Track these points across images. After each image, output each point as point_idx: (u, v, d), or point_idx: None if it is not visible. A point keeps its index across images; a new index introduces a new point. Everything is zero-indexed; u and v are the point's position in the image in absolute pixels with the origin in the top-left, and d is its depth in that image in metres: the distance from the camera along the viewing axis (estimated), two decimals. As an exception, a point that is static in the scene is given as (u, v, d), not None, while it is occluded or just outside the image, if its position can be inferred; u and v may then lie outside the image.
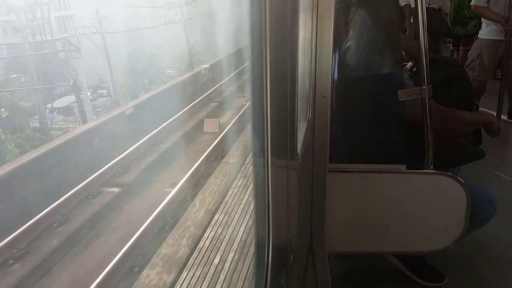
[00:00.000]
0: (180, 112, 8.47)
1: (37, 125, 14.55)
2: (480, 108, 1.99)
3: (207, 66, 11.80)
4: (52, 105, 16.46)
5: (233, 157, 5.17)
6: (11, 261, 3.86)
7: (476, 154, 1.77)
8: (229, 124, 7.56)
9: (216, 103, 9.56)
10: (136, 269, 3.71)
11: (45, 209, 4.52)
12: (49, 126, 15.07)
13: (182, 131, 7.66)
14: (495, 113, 3.67)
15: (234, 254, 2.30)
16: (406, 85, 1.57)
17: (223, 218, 2.95)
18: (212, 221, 2.96)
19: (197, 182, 5.30)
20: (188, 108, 8.82)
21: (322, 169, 1.52)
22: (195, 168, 5.57)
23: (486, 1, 3.75)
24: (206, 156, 6.02)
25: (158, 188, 5.48)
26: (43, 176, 5.50)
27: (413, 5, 1.57)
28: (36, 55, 15.20)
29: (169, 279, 2.86)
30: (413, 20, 1.75)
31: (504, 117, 3.93)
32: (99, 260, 3.93)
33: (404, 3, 3.84)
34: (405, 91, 1.51)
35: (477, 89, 3.71)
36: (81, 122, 12.92)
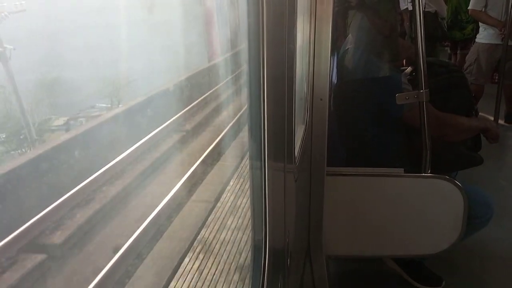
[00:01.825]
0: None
1: None
2: (479, 113, 1.99)
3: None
4: None
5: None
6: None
7: (474, 160, 1.77)
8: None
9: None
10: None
11: None
12: None
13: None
14: (492, 117, 3.68)
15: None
16: (404, 89, 1.57)
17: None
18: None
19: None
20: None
21: (320, 172, 1.52)
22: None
23: (483, 5, 3.77)
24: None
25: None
26: None
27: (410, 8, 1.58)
28: None
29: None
30: (410, 24, 1.76)
31: (501, 121, 3.94)
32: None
33: (405, 7, 3.86)
34: (402, 94, 1.51)
35: (475, 93, 3.72)
36: None
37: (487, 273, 2.01)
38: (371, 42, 1.75)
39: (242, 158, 4.01)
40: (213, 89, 8.49)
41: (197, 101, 7.73)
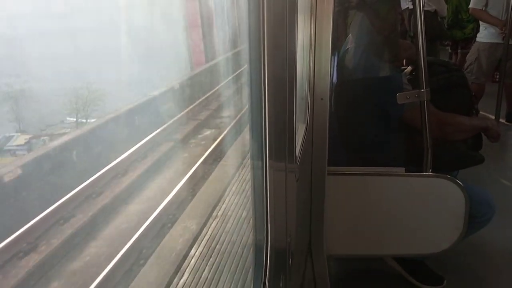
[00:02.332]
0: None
1: None
2: (480, 112, 1.99)
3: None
4: None
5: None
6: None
7: (475, 159, 1.77)
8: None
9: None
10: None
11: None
12: None
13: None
14: (493, 116, 3.68)
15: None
16: (404, 89, 1.57)
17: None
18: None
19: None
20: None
21: (321, 172, 1.52)
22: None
23: (484, 4, 3.77)
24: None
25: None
26: None
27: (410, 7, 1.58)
28: None
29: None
30: (410, 23, 1.76)
31: (502, 120, 3.94)
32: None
33: (406, 6, 3.86)
34: (403, 94, 1.51)
35: (476, 92, 3.71)
36: None
37: (488, 273, 2.01)
38: (372, 42, 1.75)
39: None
40: (196, 103, 7.45)
41: (175, 118, 6.56)
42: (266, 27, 0.61)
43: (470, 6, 3.92)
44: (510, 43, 3.67)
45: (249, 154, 0.75)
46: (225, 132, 6.13)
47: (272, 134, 0.69)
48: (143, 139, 5.63)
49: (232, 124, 6.33)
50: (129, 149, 5.36)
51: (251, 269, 0.80)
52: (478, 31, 4.04)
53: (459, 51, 5.00)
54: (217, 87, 8.12)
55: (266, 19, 0.60)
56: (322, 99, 1.45)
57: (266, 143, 0.68)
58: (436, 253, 1.71)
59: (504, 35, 3.68)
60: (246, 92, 0.69)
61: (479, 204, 1.66)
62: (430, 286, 1.87)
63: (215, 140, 5.75)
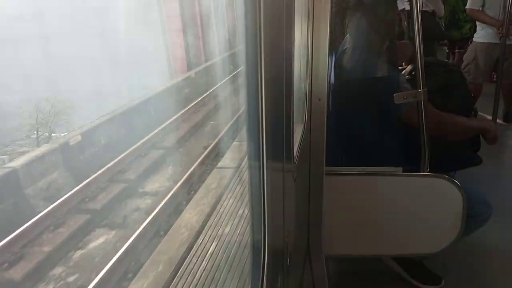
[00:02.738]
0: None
1: None
2: (478, 113, 1.99)
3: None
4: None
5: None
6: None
7: (472, 160, 1.77)
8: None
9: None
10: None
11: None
12: None
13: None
14: (490, 117, 3.68)
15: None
16: (403, 88, 1.58)
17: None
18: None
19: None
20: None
21: (318, 172, 1.52)
22: None
23: (481, 4, 3.77)
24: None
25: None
26: None
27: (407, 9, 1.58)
28: None
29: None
30: (408, 23, 1.76)
31: (499, 120, 3.94)
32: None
33: (403, 7, 3.86)
34: (400, 94, 1.52)
35: (473, 92, 3.72)
36: None
37: (486, 272, 2.01)
38: (369, 42, 1.75)
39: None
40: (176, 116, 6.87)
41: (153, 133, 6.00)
42: (263, 26, 0.61)
43: (467, 6, 3.92)
44: (507, 43, 3.68)
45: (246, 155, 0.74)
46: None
47: (270, 134, 0.69)
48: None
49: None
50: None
51: (249, 269, 0.79)
52: (475, 31, 4.04)
53: (456, 51, 5.01)
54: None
55: (263, 19, 0.60)
56: (319, 99, 1.45)
57: (263, 143, 0.68)
58: (434, 253, 1.71)
59: (501, 35, 3.69)
60: (243, 92, 0.69)
61: (477, 204, 1.66)
62: (428, 286, 1.88)
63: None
